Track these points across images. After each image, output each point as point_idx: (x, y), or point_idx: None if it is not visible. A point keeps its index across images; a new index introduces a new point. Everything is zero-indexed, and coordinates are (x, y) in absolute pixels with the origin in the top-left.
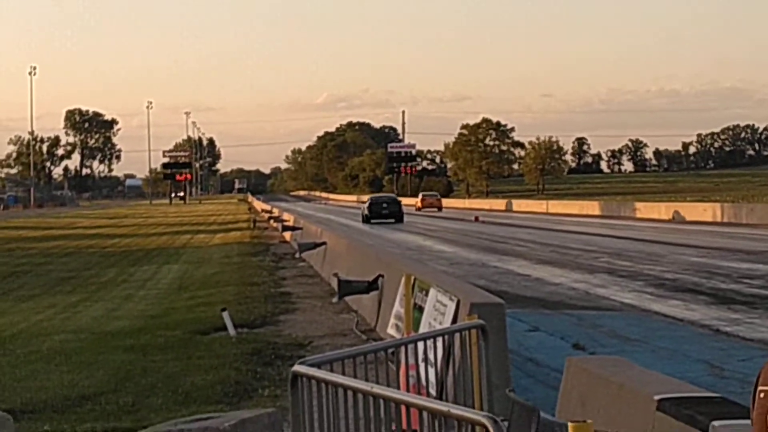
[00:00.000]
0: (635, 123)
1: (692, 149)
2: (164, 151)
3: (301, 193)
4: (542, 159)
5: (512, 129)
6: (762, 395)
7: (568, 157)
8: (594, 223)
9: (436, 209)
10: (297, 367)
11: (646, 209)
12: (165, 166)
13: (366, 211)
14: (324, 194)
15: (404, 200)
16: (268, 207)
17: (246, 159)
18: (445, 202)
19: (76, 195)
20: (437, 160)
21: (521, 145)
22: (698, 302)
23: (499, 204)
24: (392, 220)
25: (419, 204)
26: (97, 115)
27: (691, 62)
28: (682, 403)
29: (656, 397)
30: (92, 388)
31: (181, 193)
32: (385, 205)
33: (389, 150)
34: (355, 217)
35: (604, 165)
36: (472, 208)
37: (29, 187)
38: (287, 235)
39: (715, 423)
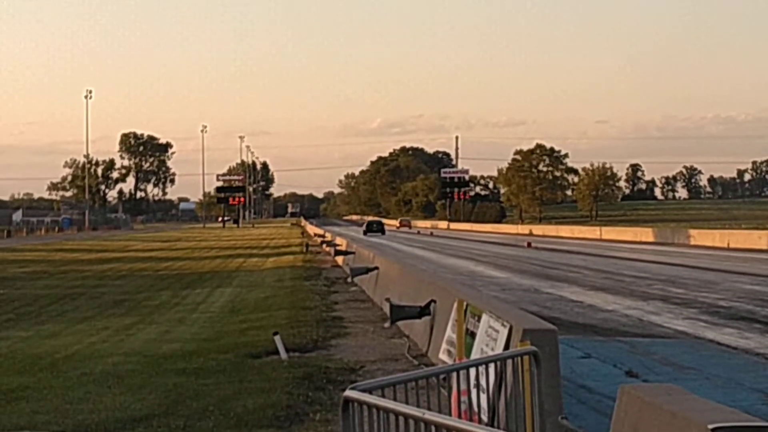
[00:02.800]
0: (690, 150)
1: (747, 176)
2: (218, 175)
3: (354, 217)
4: (596, 185)
5: (566, 155)
6: None
7: (622, 184)
8: (647, 249)
9: (408, 228)
10: (349, 392)
11: (700, 236)
12: (219, 189)
13: (365, 228)
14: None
15: (455, 225)
16: (320, 231)
17: (299, 183)
18: (492, 227)
19: (131, 218)
20: (490, 185)
21: (575, 171)
22: (753, 330)
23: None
24: (379, 233)
25: (398, 225)
26: (151, 138)
27: (747, 89)
28: None
29: (710, 426)
30: (144, 411)
31: (228, 217)
32: (374, 225)
33: (442, 175)
34: (406, 242)
35: (658, 192)
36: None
37: (84, 210)
38: (340, 259)
39: None
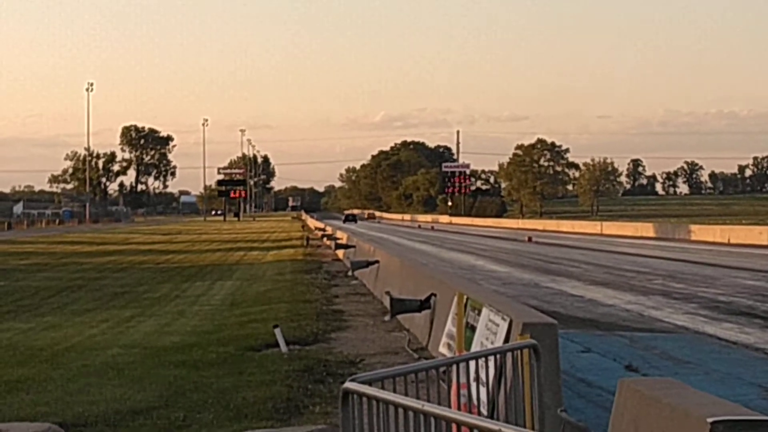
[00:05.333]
0: (692, 145)
1: (748, 172)
2: (219, 168)
3: (355, 211)
4: (597, 180)
5: (567, 150)
6: None
7: (623, 179)
8: (648, 245)
9: (373, 219)
10: (348, 384)
11: (700, 232)
12: (219, 183)
13: (343, 217)
14: (378, 213)
15: (456, 219)
16: (321, 225)
17: (300, 177)
18: (493, 222)
19: (131, 211)
20: (491, 180)
21: (576, 166)
22: (753, 325)
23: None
24: (354, 223)
25: (366, 215)
26: (152, 131)
27: (750, 85)
28: (736, 426)
29: (709, 420)
30: (144, 403)
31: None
32: (351, 215)
33: (443, 169)
34: (407, 236)
35: (659, 187)
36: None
37: (85, 203)
38: (340, 253)
39: None
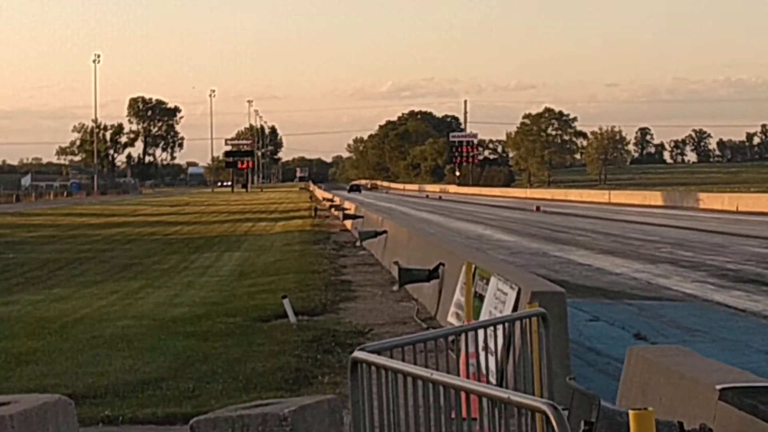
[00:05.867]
0: (700, 113)
1: (756, 140)
2: (226, 140)
3: (363, 181)
4: (604, 149)
5: (574, 119)
6: None
7: (631, 148)
8: (656, 213)
9: (376, 189)
10: (357, 354)
11: (709, 200)
12: (227, 154)
13: (348, 188)
14: (382, 183)
15: (463, 189)
16: (329, 195)
17: (308, 147)
18: (501, 191)
19: (139, 182)
20: (499, 149)
21: (584, 135)
22: (761, 293)
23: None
24: (358, 192)
25: (369, 185)
26: (160, 103)
27: (759, 52)
28: (745, 393)
29: (718, 387)
30: (153, 374)
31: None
32: (355, 186)
33: (451, 139)
34: (415, 206)
35: (667, 155)
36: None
37: (92, 175)
38: (348, 223)
39: None
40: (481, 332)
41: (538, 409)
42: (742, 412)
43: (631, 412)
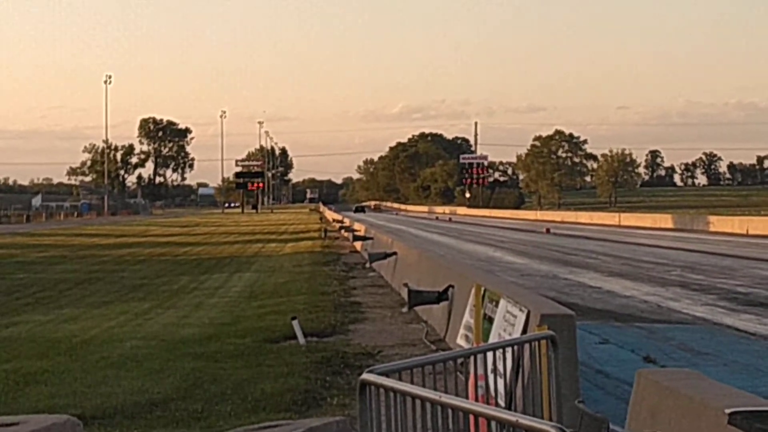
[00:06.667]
0: (711, 136)
1: (767, 163)
2: (237, 160)
3: (371, 203)
4: (615, 171)
5: (585, 141)
6: None
7: (641, 170)
8: (666, 236)
9: (379, 210)
10: (365, 376)
11: (719, 223)
12: (237, 175)
13: (353, 208)
14: (396, 205)
15: (473, 210)
16: (339, 217)
17: (318, 169)
18: (511, 213)
19: (149, 203)
20: (509, 171)
21: (594, 158)
22: None
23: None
24: (363, 212)
25: (373, 206)
26: (171, 123)
27: None
28: (754, 417)
29: (727, 411)
30: (162, 395)
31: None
32: (360, 207)
33: (461, 161)
34: (425, 228)
35: (677, 178)
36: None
37: (103, 195)
38: (358, 245)
39: None
40: (490, 354)
41: None
42: None
43: None
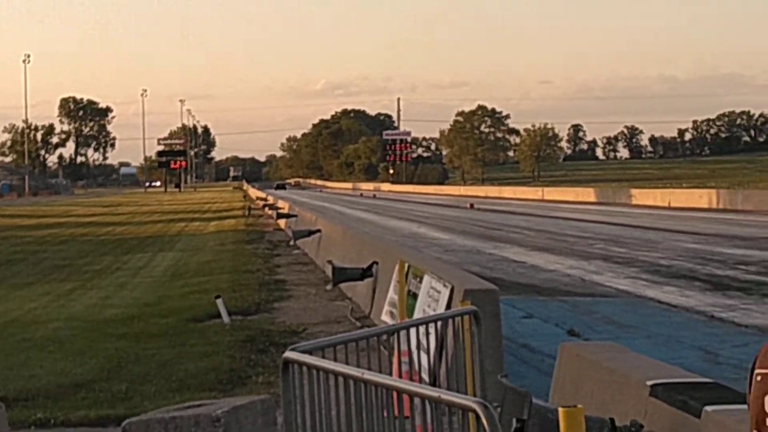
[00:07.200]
0: (633, 109)
1: (688, 136)
2: (159, 139)
3: (290, 181)
4: (537, 146)
5: (507, 116)
6: (759, 378)
7: (564, 144)
8: (590, 209)
9: (299, 186)
10: (288, 354)
11: (641, 196)
12: (160, 154)
13: (275, 186)
14: (319, 182)
15: (397, 186)
16: (263, 195)
17: (241, 147)
18: (435, 189)
19: (71, 183)
20: (433, 147)
21: (516, 132)
22: (693, 288)
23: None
24: (284, 189)
25: (293, 183)
26: (91, 103)
27: (691, 47)
28: (675, 389)
29: (649, 383)
30: (85, 376)
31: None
32: (281, 184)
33: (384, 137)
34: (349, 205)
35: (599, 152)
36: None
37: (24, 176)
38: (282, 222)
39: (708, 408)
40: (413, 331)
41: (468, 407)
42: (673, 408)
43: (560, 409)
